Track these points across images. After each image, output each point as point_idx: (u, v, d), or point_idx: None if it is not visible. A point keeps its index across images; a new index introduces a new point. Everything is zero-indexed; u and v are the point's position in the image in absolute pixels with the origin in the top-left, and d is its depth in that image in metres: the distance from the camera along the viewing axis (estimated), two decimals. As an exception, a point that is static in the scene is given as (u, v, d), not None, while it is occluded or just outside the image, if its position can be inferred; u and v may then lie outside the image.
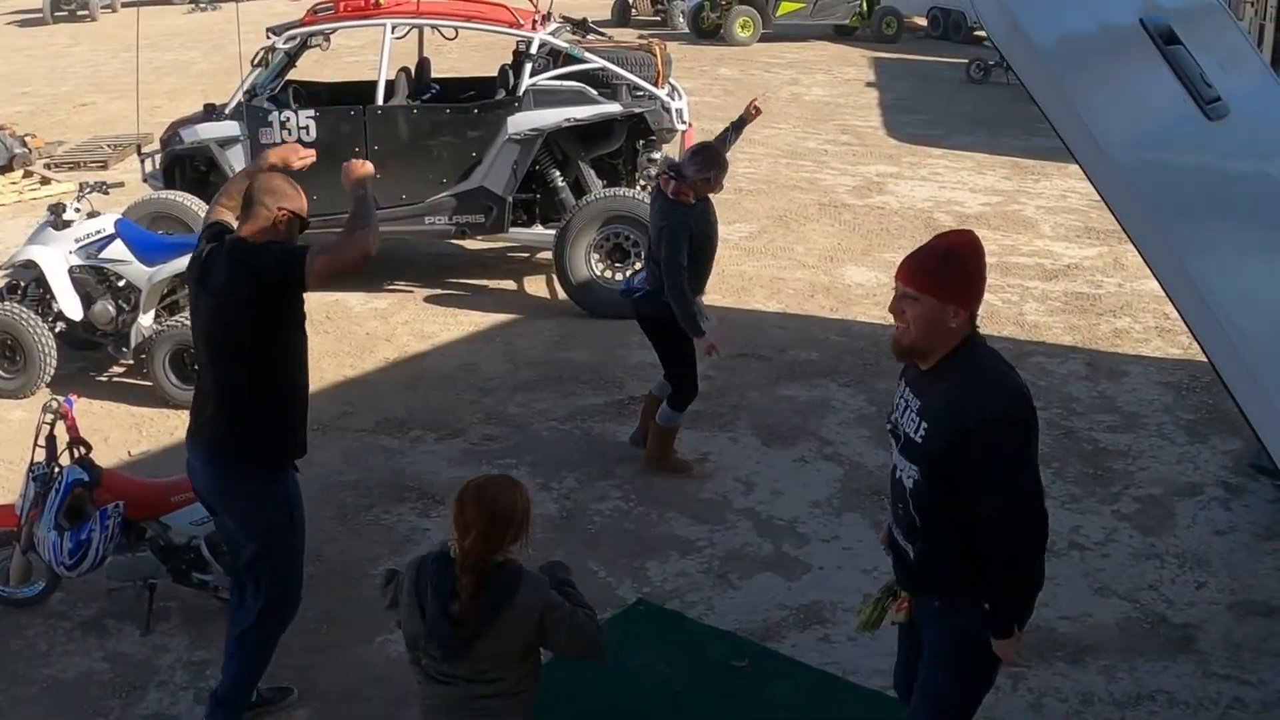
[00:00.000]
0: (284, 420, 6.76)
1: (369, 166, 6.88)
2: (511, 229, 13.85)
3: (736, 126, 10.51)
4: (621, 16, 37.97)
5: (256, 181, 6.77)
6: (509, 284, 14.56)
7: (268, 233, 6.52)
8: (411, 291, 14.16)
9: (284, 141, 13.22)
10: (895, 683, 6.16)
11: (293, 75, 14.69)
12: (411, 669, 5.34)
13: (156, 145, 15.01)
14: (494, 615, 5.07)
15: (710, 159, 9.29)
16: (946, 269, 5.09)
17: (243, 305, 6.46)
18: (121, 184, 13.05)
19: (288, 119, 13.37)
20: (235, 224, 6.74)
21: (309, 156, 7.26)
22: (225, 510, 6.91)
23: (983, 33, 25.75)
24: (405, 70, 14.75)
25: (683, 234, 9.08)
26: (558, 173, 14.00)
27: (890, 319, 5.35)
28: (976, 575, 5.26)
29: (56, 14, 40.89)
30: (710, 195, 9.29)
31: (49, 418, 7.90)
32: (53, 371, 11.31)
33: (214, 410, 6.67)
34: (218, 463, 6.75)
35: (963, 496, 5.15)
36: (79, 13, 41.10)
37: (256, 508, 6.78)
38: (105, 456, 9.32)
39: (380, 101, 13.61)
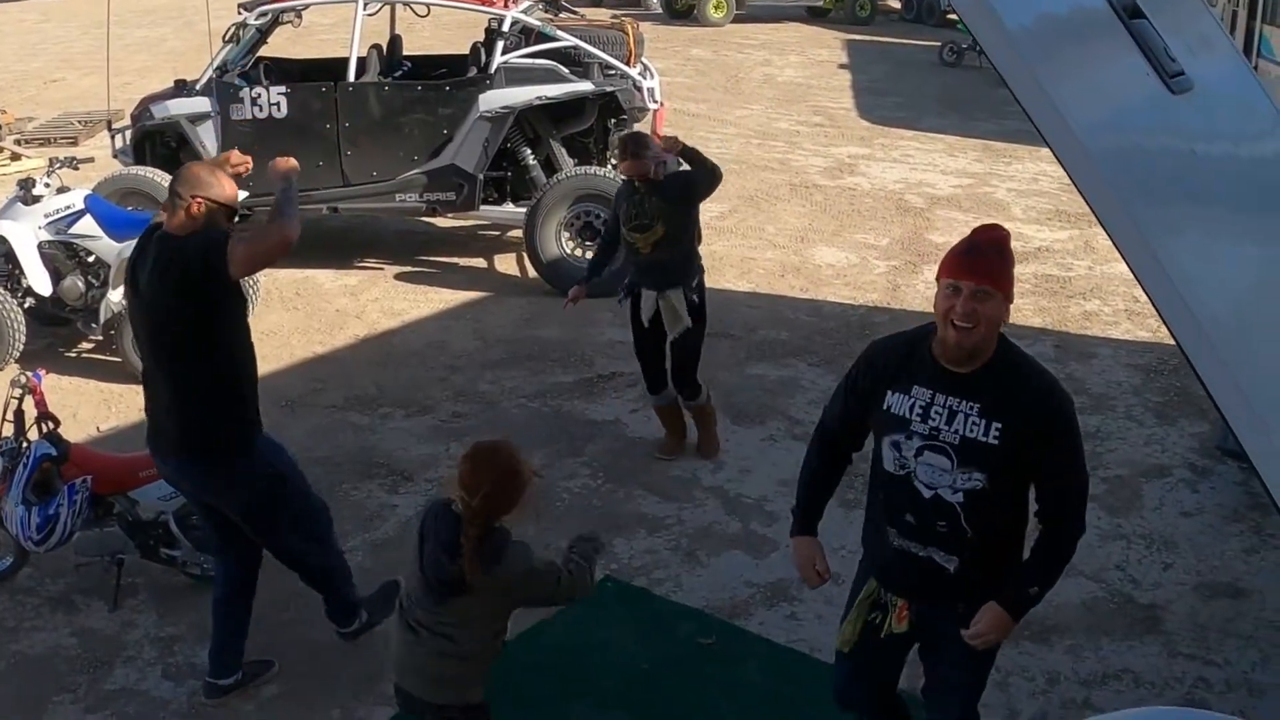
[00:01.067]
0: (238, 407, 6.73)
1: (293, 162, 6.83)
2: (482, 207, 13.83)
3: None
4: (595, -5, 37.95)
5: (175, 175, 6.73)
6: (479, 262, 14.55)
7: (187, 224, 6.44)
8: (382, 269, 14.15)
9: (254, 117, 13.22)
10: (847, 698, 5.98)
11: (264, 52, 14.64)
12: (397, 615, 5.66)
13: (127, 121, 14.96)
14: (484, 572, 5.29)
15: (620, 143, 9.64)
16: (1007, 264, 5.10)
17: (173, 301, 6.42)
18: (92, 160, 13.03)
19: (259, 95, 13.33)
20: None
21: (241, 163, 7.09)
22: (221, 503, 6.92)
23: (955, 16, 25.82)
24: (377, 47, 14.71)
25: (616, 203, 9.60)
26: (529, 151, 13.98)
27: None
28: (1012, 570, 5.36)
29: (27, -10, 40.74)
30: (650, 178, 9.28)
31: (17, 393, 7.89)
32: (21, 347, 11.27)
33: (169, 413, 6.67)
34: (191, 464, 6.78)
35: (1022, 492, 5.27)
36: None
37: (247, 487, 6.82)
38: (74, 432, 9.32)
39: (352, 78, 13.57)
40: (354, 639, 7.49)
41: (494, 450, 5.45)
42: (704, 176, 9.23)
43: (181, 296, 6.39)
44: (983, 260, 5.03)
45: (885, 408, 5.28)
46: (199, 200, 6.44)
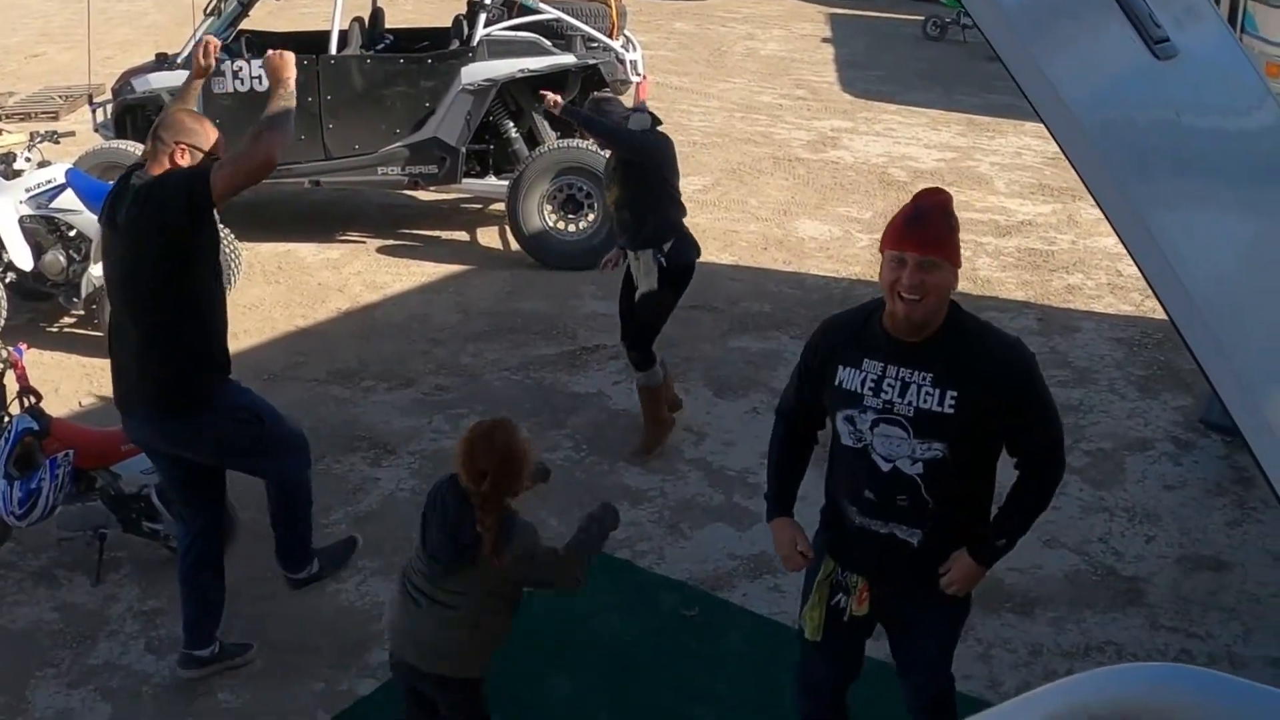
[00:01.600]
0: (209, 353, 6.68)
1: (290, 58, 6.55)
2: (464, 180, 13.79)
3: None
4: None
5: (160, 118, 6.67)
6: (462, 235, 14.52)
7: (168, 169, 6.40)
8: (364, 242, 14.11)
9: (236, 90, 13.17)
10: (812, 684, 5.83)
11: (246, 25, 14.58)
12: (398, 583, 5.80)
13: (108, 95, 14.90)
14: (497, 554, 5.42)
15: None
16: (952, 231, 5.01)
17: (153, 238, 6.34)
18: (73, 134, 12.96)
19: (240, 69, 13.27)
20: None
21: (210, 47, 6.94)
22: (195, 454, 6.87)
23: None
24: (359, 20, 14.65)
25: None
26: (511, 123, 13.95)
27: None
28: (979, 533, 5.31)
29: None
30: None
31: (-1, 366, 7.87)
32: (2, 322, 11.22)
33: (139, 362, 6.59)
34: (161, 417, 6.71)
35: (987, 458, 5.23)
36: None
37: (221, 433, 6.79)
38: (55, 406, 9.29)
39: (334, 51, 13.53)
40: (299, 587, 7.44)
41: (491, 432, 5.49)
42: (605, 139, 9.32)
43: (162, 231, 6.30)
44: (928, 229, 4.95)
45: (836, 383, 5.20)
46: (183, 147, 6.41)
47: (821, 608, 5.52)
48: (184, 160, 6.41)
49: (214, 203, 6.29)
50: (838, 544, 5.49)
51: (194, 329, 6.56)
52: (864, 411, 5.11)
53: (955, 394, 4.97)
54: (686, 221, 9.30)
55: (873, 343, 5.14)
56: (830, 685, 5.80)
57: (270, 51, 6.66)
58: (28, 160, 11.47)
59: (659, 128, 9.31)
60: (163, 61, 13.90)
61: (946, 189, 5.27)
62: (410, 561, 5.72)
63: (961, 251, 5.14)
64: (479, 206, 15.35)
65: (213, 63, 6.99)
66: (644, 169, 9.14)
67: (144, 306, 6.52)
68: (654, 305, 9.26)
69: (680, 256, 9.23)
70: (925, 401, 5.01)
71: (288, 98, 6.37)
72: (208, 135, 6.53)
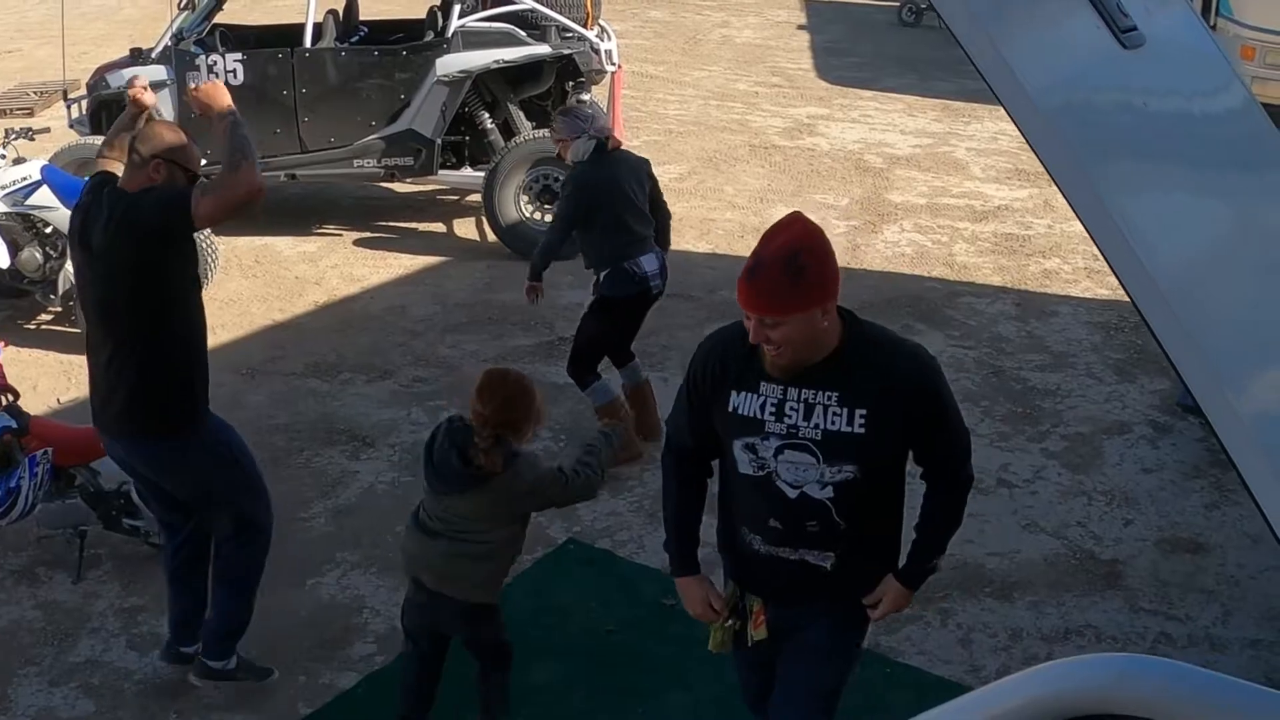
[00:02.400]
0: (190, 378, 6.50)
1: (219, 87, 6.47)
2: (440, 171, 13.79)
3: None
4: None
5: (137, 131, 6.54)
6: (438, 226, 14.52)
7: (144, 184, 6.21)
8: (340, 235, 14.10)
9: (212, 85, 13.13)
10: (751, 693, 5.59)
11: (220, 19, 14.55)
12: (406, 525, 6.24)
13: (83, 91, 14.87)
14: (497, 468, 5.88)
15: None
16: (799, 279, 4.49)
17: (128, 260, 6.17)
18: (48, 130, 12.95)
19: (215, 63, 13.25)
20: (120, 175, 6.46)
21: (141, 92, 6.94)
22: (172, 483, 6.75)
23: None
24: (333, 12, 14.62)
25: None
26: (486, 115, 13.93)
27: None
28: (891, 554, 5.11)
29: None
30: (560, 156, 9.45)
31: (-25, 366, 7.86)
32: (-21, 318, 11.22)
33: (118, 385, 6.39)
34: (143, 443, 6.56)
35: (897, 471, 4.93)
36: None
37: (200, 469, 6.64)
38: (34, 404, 9.28)
39: (308, 44, 13.52)
40: (209, 678, 6.98)
41: (505, 373, 6.15)
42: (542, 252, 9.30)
43: (140, 254, 6.14)
44: (762, 287, 4.50)
45: (731, 409, 4.84)
46: (159, 160, 6.23)
47: (721, 633, 5.24)
48: (161, 175, 6.23)
49: (194, 230, 6.20)
50: (739, 568, 5.22)
51: (171, 350, 6.37)
52: (766, 439, 4.78)
53: (864, 412, 4.66)
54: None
55: (768, 364, 4.75)
56: (768, 691, 5.40)
57: (191, 87, 6.63)
58: (2, 157, 11.42)
59: (618, 149, 9.15)
60: (137, 56, 13.86)
61: (799, 214, 4.86)
62: (422, 501, 6.12)
63: (840, 286, 4.67)
64: (455, 198, 15.33)
65: (154, 98, 6.93)
66: (568, 200, 9.10)
67: (119, 327, 6.33)
68: (585, 331, 9.28)
69: (611, 289, 9.08)
70: (833, 423, 4.68)
71: (237, 124, 6.24)
72: (186, 150, 6.36)
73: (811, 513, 4.81)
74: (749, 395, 4.79)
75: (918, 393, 4.74)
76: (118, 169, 6.55)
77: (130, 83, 7.02)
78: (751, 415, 4.79)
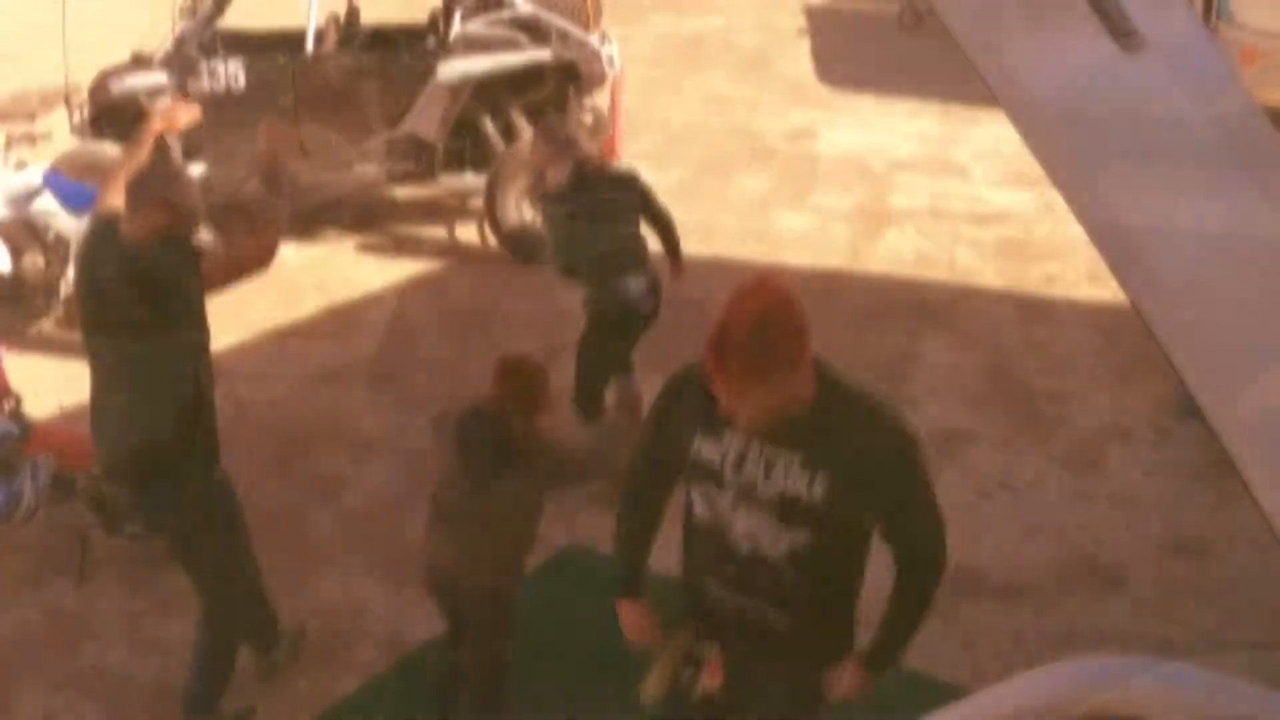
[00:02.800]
0: (198, 424, 6.44)
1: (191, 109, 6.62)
2: (441, 176, 13.81)
3: None
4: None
5: (141, 173, 6.45)
6: (439, 231, 14.49)
7: (146, 230, 6.12)
8: (342, 239, 14.09)
9: (213, 90, 13.14)
10: None
11: (222, 24, 14.56)
12: (427, 512, 6.36)
13: (85, 96, 14.87)
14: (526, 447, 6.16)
15: None
16: (768, 352, 4.22)
17: (132, 308, 6.13)
18: (49, 135, 12.94)
19: (216, 68, 13.26)
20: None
21: (192, 113, 6.95)
22: (164, 529, 6.77)
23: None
24: (335, 17, 14.63)
25: None
26: (488, 119, 13.94)
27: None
28: (848, 623, 4.87)
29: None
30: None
31: (-23, 371, 7.87)
32: (-20, 325, 11.21)
33: (120, 426, 6.38)
34: (152, 490, 6.48)
35: (859, 544, 4.68)
36: (3, -38, 40.54)
37: (195, 528, 6.56)
38: (36, 409, 9.27)
39: (310, 49, 13.52)
40: None
41: (520, 358, 6.45)
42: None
43: (141, 305, 6.10)
44: (731, 360, 4.22)
45: (694, 452, 4.64)
46: (165, 206, 6.15)
47: (662, 674, 5.02)
48: (163, 217, 6.12)
49: (204, 293, 6.23)
50: (696, 607, 4.96)
51: (178, 392, 6.30)
52: (722, 489, 4.58)
53: (826, 477, 4.39)
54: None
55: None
56: None
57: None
58: (4, 163, 11.44)
59: (601, 168, 9.12)
60: (139, 62, 13.87)
61: (764, 277, 4.47)
62: (440, 486, 6.27)
63: (810, 350, 4.35)
64: (456, 202, 15.33)
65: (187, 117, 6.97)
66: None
67: (126, 368, 6.31)
68: (581, 357, 9.14)
69: (598, 311, 9.02)
70: (792, 486, 4.43)
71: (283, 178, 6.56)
72: (186, 195, 6.31)
73: (765, 569, 4.60)
74: (713, 442, 4.59)
75: (888, 467, 4.48)
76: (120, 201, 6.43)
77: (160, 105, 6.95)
78: (711, 462, 4.60)
